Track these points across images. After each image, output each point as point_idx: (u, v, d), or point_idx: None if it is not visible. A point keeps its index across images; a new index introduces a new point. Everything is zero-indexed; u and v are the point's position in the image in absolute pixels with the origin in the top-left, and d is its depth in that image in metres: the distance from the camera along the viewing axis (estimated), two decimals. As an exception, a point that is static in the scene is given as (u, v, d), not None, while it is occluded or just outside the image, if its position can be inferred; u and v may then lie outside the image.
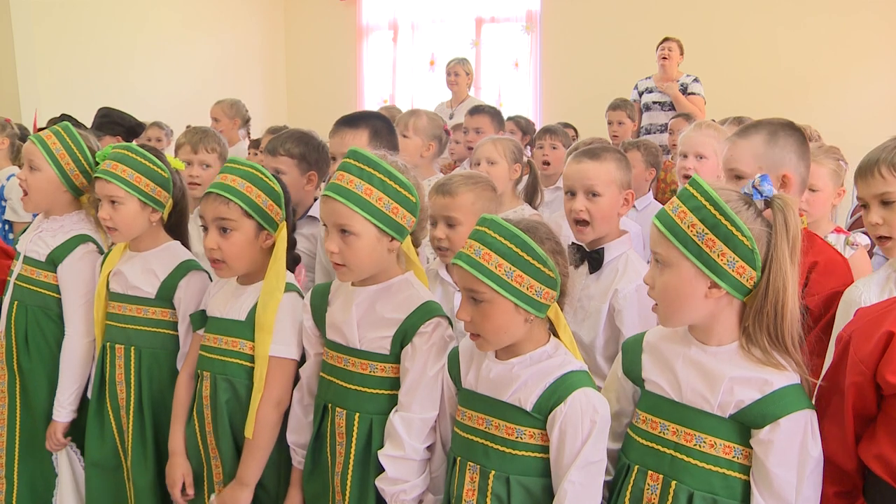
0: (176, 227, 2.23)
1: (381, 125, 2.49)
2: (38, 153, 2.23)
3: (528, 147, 4.36)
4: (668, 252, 1.37)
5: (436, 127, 3.02)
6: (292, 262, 1.99)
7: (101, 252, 2.28)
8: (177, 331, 2.12)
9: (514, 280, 1.44)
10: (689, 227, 1.34)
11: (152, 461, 2.08)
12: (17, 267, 2.32)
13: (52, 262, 2.24)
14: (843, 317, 1.74)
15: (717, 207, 1.33)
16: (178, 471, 1.94)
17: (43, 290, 2.26)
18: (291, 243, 1.98)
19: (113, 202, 2.05)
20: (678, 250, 1.35)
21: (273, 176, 1.92)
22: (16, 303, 2.29)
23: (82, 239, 2.26)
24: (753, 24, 6.27)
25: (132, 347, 2.10)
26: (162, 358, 2.11)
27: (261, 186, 1.87)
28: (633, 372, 1.51)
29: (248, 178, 1.86)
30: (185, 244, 2.24)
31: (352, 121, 2.49)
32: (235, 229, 1.84)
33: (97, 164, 2.16)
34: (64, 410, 2.21)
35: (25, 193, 2.28)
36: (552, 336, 1.55)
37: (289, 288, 1.88)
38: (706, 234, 1.33)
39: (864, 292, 1.71)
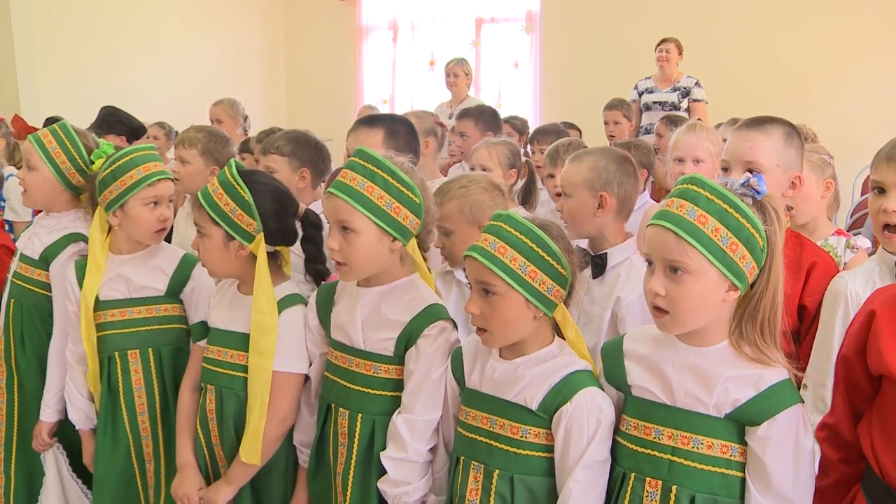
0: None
1: (401, 127, 2.46)
2: (34, 153, 2.21)
3: (528, 146, 4.35)
4: (692, 260, 1.31)
5: (425, 123, 2.97)
6: (318, 275, 1.95)
7: None
8: (188, 325, 2.10)
9: (528, 275, 1.44)
10: (712, 231, 1.30)
11: None
12: (14, 264, 2.31)
13: (45, 260, 2.22)
14: (828, 308, 1.78)
15: (738, 210, 1.31)
16: (192, 484, 1.87)
17: (37, 289, 2.24)
18: (312, 256, 1.94)
19: (164, 203, 2.07)
20: (703, 257, 1.30)
21: (255, 188, 1.80)
22: (13, 301, 2.28)
23: (74, 238, 2.22)
24: (753, 25, 6.27)
25: (149, 349, 2.07)
26: (181, 353, 2.10)
27: (231, 194, 1.79)
28: (616, 378, 1.48)
29: (223, 185, 1.81)
30: None
31: (370, 120, 2.49)
32: (205, 235, 1.82)
33: (93, 162, 2.16)
34: (49, 410, 2.17)
35: (25, 191, 2.27)
36: (556, 336, 1.55)
37: (295, 301, 1.84)
38: (730, 237, 1.31)
39: (850, 283, 1.74)
